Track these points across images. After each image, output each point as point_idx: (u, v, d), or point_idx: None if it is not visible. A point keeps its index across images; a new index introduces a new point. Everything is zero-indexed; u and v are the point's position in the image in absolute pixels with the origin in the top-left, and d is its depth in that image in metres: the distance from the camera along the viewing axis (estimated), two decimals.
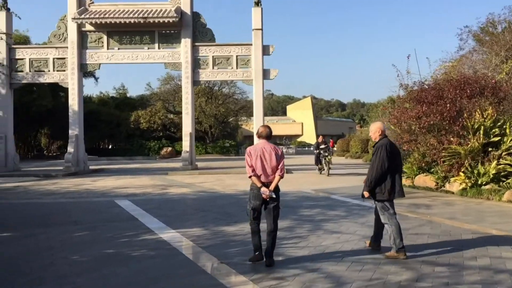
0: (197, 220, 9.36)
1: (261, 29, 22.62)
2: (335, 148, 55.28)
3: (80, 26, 22.84)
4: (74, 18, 22.20)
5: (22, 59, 23.10)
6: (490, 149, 12.72)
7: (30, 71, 23.07)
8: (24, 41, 34.69)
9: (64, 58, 23.03)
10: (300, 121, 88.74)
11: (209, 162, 31.29)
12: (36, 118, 39.65)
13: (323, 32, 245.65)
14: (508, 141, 12.49)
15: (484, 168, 12.33)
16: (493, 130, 12.80)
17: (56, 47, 23.06)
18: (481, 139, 12.54)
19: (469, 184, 12.33)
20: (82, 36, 23.08)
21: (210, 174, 21.33)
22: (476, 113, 12.90)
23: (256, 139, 7.35)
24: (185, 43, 22.75)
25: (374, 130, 6.48)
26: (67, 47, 22.90)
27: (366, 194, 6.34)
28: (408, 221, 8.90)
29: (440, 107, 12.94)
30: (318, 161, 21.42)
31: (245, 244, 6.98)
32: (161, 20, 21.88)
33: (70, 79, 22.92)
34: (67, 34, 23.00)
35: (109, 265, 6.04)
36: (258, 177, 5.93)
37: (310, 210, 10.36)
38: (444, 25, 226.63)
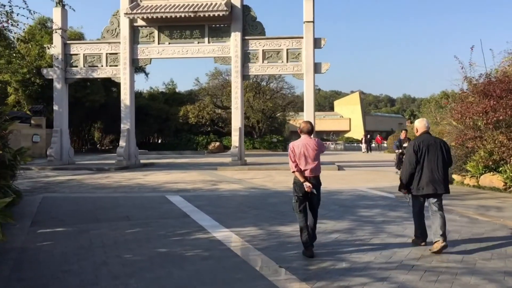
0: (250, 218, 8.98)
1: (313, 22, 21.94)
2: (385, 144, 53.85)
3: (132, 21, 23.03)
4: (126, 13, 22.41)
5: (76, 54, 23.59)
6: None
7: (84, 66, 23.53)
8: (79, 37, 35.58)
9: (116, 53, 23.33)
10: (348, 116, 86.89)
11: (257, 158, 31.02)
12: (89, 112, 40.70)
13: (371, 25, 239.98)
14: None
15: None
16: None
17: (109, 43, 23.38)
18: None
19: None
20: (134, 31, 23.28)
21: (260, 170, 20.98)
22: None
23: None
24: (235, 37, 22.46)
25: (415, 127, 6.88)
26: (119, 42, 23.17)
27: (403, 191, 6.76)
28: (480, 225, 8.14)
29: (511, 101, 11.92)
30: (400, 163, 15.93)
31: (302, 247, 6.57)
32: (211, 14, 21.68)
33: (122, 74, 23.20)
34: (119, 29, 23.28)
35: (163, 266, 5.75)
36: (301, 172, 6.15)
37: (369, 211, 9.74)
38: (505, 16, 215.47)
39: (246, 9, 22.84)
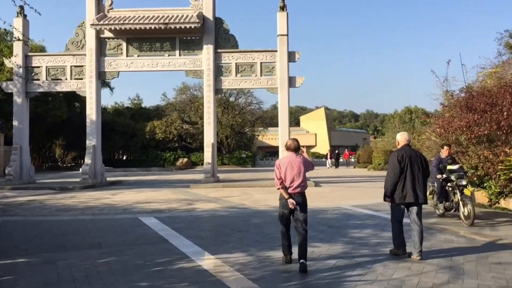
0: (236, 243, 8.22)
1: (287, 35, 21.60)
2: (352, 160, 53.99)
3: (98, 33, 22.04)
4: (92, 24, 21.40)
5: (38, 67, 22.35)
6: None
7: (46, 79, 22.29)
8: (40, 50, 34.10)
9: (81, 66, 22.23)
10: (314, 132, 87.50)
11: (229, 174, 30.18)
12: (50, 128, 39.13)
13: (334, 41, 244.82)
14: None
15: None
16: None
17: (74, 55, 22.27)
18: None
19: None
20: (101, 43, 22.28)
21: (234, 187, 20.20)
22: None
23: (281, 152, 7.21)
24: (207, 50, 21.80)
25: (397, 140, 7.34)
26: (85, 55, 22.10)
27: (387, 200, 7.05)
28: (480, 248, 7.64)
29: (495, 115, 11.71)
30: (443, 194, 10.60)
31: (300, 277, 5.90)
32: (182, 26, 20.97)
33: (88, 87, 22.09)
34: (85, 41, 22.22)
35: None
36: (286, 189, 6.34)
37: (360, 231, 9.16)
38: (476, 31, 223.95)
39: (218, 21, 22.27)
